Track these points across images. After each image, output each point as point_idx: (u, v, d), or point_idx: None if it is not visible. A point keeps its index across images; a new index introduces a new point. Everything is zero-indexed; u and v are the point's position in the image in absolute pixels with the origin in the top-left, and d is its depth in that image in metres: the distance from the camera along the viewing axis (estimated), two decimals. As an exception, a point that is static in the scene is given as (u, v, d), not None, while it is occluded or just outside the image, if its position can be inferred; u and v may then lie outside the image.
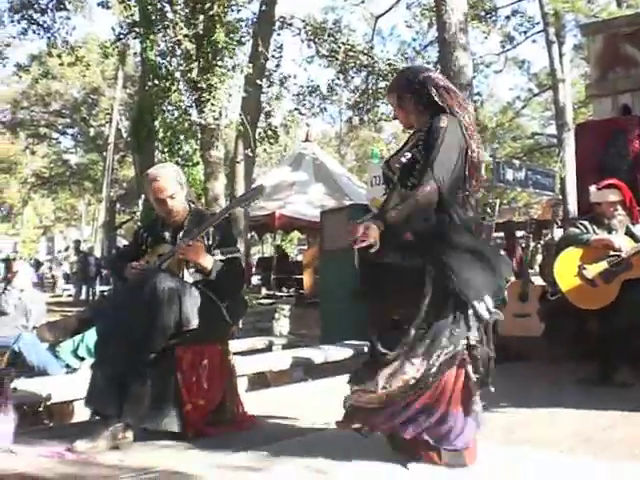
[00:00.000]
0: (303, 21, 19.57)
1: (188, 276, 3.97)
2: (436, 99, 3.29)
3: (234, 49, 15.08)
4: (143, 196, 16.43)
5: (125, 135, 33.07)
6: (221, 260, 4.00)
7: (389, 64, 19.35)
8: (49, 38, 17.70)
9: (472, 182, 3.34)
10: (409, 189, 3.22)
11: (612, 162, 7.18)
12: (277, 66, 18.18)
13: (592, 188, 6.04)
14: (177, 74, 15.61)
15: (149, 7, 15.01)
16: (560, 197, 20.03)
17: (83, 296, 22.83)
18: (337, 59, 19.41)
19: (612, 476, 3.12)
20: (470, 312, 3.09)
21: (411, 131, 3.51)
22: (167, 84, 15.19)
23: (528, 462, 3.31)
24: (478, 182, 3.41)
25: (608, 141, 7.37)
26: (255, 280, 22.20)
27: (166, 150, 16.05)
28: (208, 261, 3.94)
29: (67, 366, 6.92)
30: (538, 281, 7.39)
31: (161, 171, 4.13)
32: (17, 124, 39.13)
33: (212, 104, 14.24)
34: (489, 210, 7.33)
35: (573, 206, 17.80)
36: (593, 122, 9.07)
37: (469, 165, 3.31)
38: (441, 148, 3.14)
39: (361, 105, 21.34)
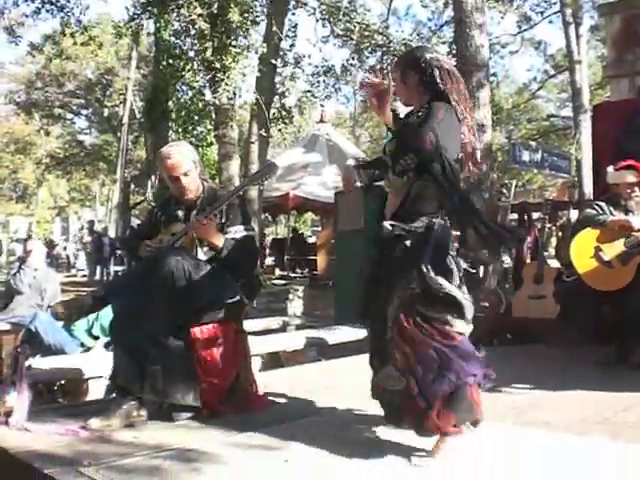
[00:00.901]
0: (318, 0, 19.42)
1: (202, 254, 3.96)
2: (437, 80, 3.25)
3: (248, 29, 14.99)
4: (153, 177, 16.46)
5: (139, 116, 33.07)
6: (234, 238, 3.98)
7: (404, 44, 19.16)
8: (62, 17, 17.60)
9: (466, 170, 3.37)
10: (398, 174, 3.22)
11: (629, 143, 7.11)
12: (292, 46, 18.05)
13: (609, 169, 5.99)
14: (191, 54, 15.56)
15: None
16: (576, 179, 19.94)
17: (97, 276, 22.95)
18: (352, 39, 19.24)
19: (619, 458, 3.10)
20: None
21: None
22: (181, 64, 15.15)
23: (536, 444, 3.30)
24: (476, 167, 3.44)
25: (625, 122, 7.30)
26: (269, 261, 22.23)
27: (180, 130, 16.05)
28: (219, 239, 3.93)
29: (82, 345, 6.96)
30: (553, 263, 7.36)
31: (175, 149, 4.12)
32: (31, 105, 39.21)
33: (226, 84, 14.17)
34: (504, 191, 7.28)
35: (589, 188, 17.70)
36: (610, 103, 9.00)
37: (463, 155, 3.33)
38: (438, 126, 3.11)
39: (376, 85, 21.18)
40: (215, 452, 3.13)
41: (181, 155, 4.08)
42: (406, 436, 3.17)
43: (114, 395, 3.76)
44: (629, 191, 5.73)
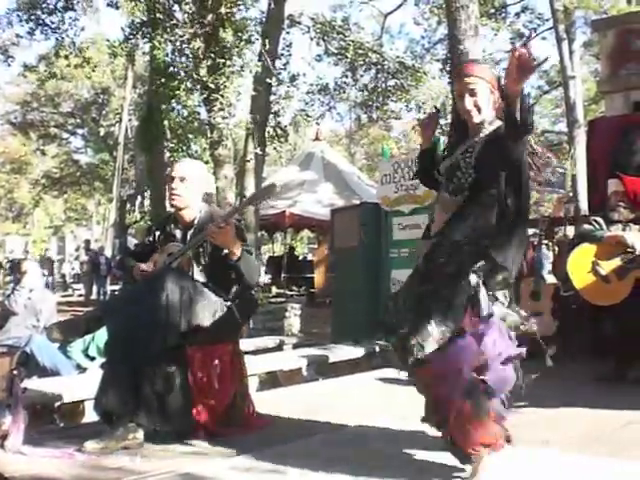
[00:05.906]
0: (312, 19, 19.48)
1: (198, 274, 3.93)
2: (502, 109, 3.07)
3: (242, 48, 15.03)
4: (146, 195, 16.35)
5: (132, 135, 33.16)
6: (246, 249, 3.84)
7: (399, 62, 19.30)
8: (57, 39, 17.65)
9: None
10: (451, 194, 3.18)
11: (624, 158, 7.12)
12: (286, 64, 18.09)
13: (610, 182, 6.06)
14: (184, 73, 15.60)
15: (157, 6, 14.99)
16: (571, 194, 19.93)
17: (94, 296, 22.87)
18: (346, 57, 19.33)
19: (618, 476, 3.07)
20: None
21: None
22: (176, 83, 15.18)
23: (534, 462, 3.27)
24: None
25: (620, 137, 7.32)
26: (265, 279, 22.21)
27: (176, 149, 16.05)
28: (237, 246, 3.75)
29: (78, 366, 6.90)
30: (550, 279, 7.34)
31: (188, 160, 4.17)
32: (27, 125, 39.26)
33: (221, 103, 14.20)
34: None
35: (584, 203, 17.72)
36: (605, 118, 9.00)
37: None
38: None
39: (370, 103, 21.28)
40: (212, 475, 3.11)
41: (189, 165, 4.16)
42: (406, 454, 3.16)
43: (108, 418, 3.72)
44: (614, 200, 5.79)
